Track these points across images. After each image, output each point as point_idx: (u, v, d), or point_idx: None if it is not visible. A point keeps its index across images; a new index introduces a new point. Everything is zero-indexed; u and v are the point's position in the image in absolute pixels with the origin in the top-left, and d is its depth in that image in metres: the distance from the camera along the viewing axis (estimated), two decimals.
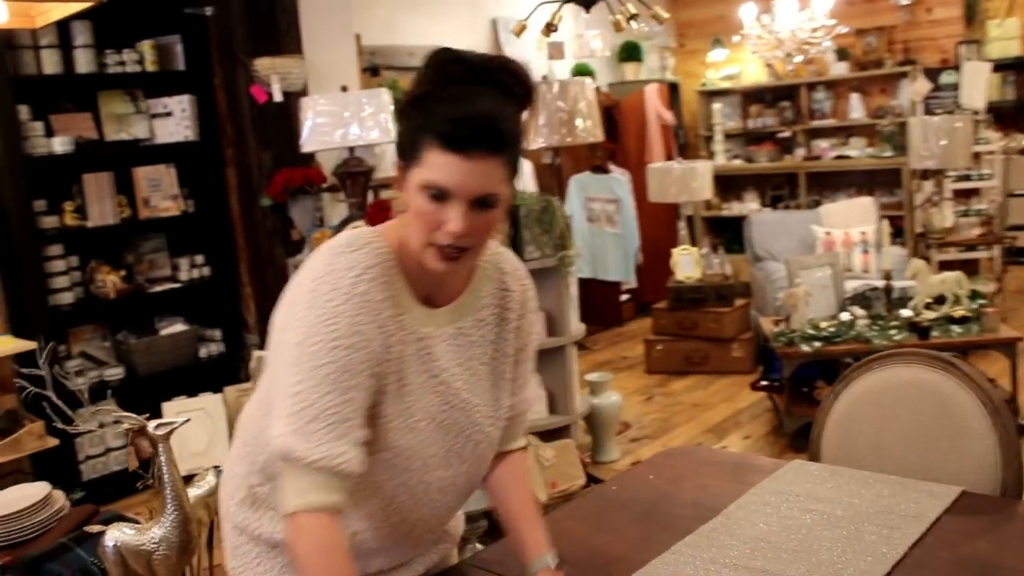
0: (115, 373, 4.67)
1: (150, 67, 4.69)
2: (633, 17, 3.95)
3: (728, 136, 8.06)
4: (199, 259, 4.95)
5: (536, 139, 3.90)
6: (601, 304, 6.99)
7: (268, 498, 1.50)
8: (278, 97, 4.61)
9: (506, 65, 1.36)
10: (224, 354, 4.99)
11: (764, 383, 4.66)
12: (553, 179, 4.14)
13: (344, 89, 4.67)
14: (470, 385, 1.49)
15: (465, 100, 1.30)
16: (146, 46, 4.66)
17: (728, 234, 7.81)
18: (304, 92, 4.78)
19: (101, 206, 4.57)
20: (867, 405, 2.13)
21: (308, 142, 4.51)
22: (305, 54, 4.84)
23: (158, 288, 4.80)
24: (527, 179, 6.25)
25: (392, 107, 4.58)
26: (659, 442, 4.64)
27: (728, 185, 8.11)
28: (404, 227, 1.39)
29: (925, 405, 2.06)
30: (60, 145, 4.37)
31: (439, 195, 1.30)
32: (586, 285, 6.71)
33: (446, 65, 1.34)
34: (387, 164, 5.09)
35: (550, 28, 4.15)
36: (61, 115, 4.50)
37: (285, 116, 4.68)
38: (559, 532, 1.85)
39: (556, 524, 1.91)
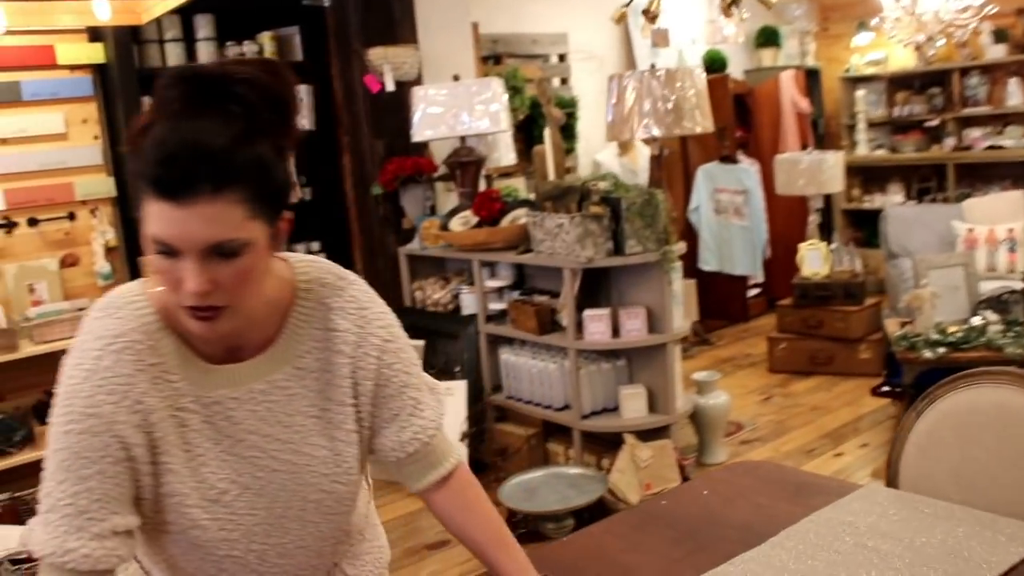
0: None
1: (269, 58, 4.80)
2: (735, 2, 3.75)
3: (872, 125, 7.63)
4: (315, 245, 5.05)
5: (639, 129, 3.77)
6: (727, 298, 6.76)
7: (149, 568, 1.41)
8: (390, 87, 4.63)
9: (241, 74, 1.14)
10: None
11: (885, 389, 4.39)
12: (660, 171, 3.99)
13: (456, 78, 4.67)
14: (294, 444, 1.31)
15: (171, 133, 1.10)
16: (266, 38, 4.77)
17: (869, 228, 7.41)
18: (418, 81, 4.80)
19: None
20: (950, 428, 1.95)
21: (418, 131, 4.54)
22: (420, 43, 4.84)
23: None
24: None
25: (505, 96, 4.54)
26: (771, 446, 4.44)
27: (871, 176, 7.70)
28: None
29: (1016, 432, 1.86)
30: None
31: (167, 251, 1.11)
32: (712, 279, 6.52)
33: (168, 89, 1.13)
34: (499, 154, 5.06)
35: (650, 15, 4.00)
36: None
37: (398, 105, 4.71)
38: (592, 547, 1.77)
39: (592, 538, 1.83)
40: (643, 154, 6.12)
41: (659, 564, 1.67)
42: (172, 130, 1.11)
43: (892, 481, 2.02)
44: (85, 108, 4.40)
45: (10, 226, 4.26)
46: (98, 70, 4.38)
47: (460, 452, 1.49)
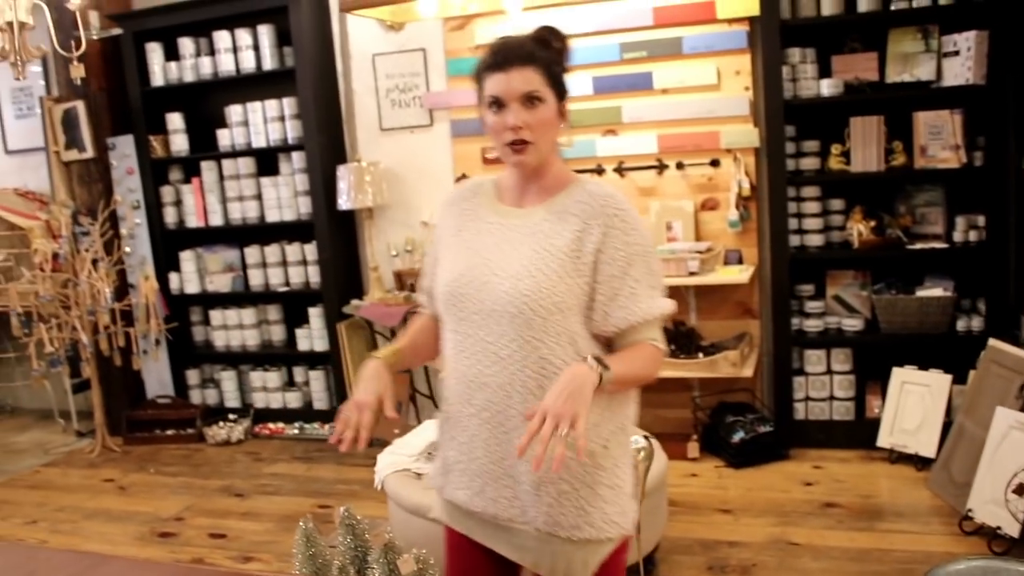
0: (853, 324, 4.56)
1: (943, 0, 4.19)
2: None
3: None
4: (979, 220, 4.34)
5: None
6: None
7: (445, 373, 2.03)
8: None
9: (540, 31, 1.85)
10: (984, 332, 4.32)
11: None
12: None
13: None
14: (521, 265, 1.80)
15: (498, 42, 1.85)
16: None
17: None
18: None
19: (866, 151, 4.39)
20: None
21: None
22: None
23: (920, 245, 4.41)
24: None
25: None
26: None
27: None
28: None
29: None
30: (827, 88, 4.34)
31: (497, 104, 1.79)
32: None
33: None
34: None
35: None
36: (844, 56, 4.42)
37: None
38: None
39: None
40: None
41: None
42: (498, 42, 1.87)
43: None
44: (738, 60, 4.55)
45: (661, 168, 4.73)
46: (754, 22, 4.47)
47: (657, 338, 1.85)
